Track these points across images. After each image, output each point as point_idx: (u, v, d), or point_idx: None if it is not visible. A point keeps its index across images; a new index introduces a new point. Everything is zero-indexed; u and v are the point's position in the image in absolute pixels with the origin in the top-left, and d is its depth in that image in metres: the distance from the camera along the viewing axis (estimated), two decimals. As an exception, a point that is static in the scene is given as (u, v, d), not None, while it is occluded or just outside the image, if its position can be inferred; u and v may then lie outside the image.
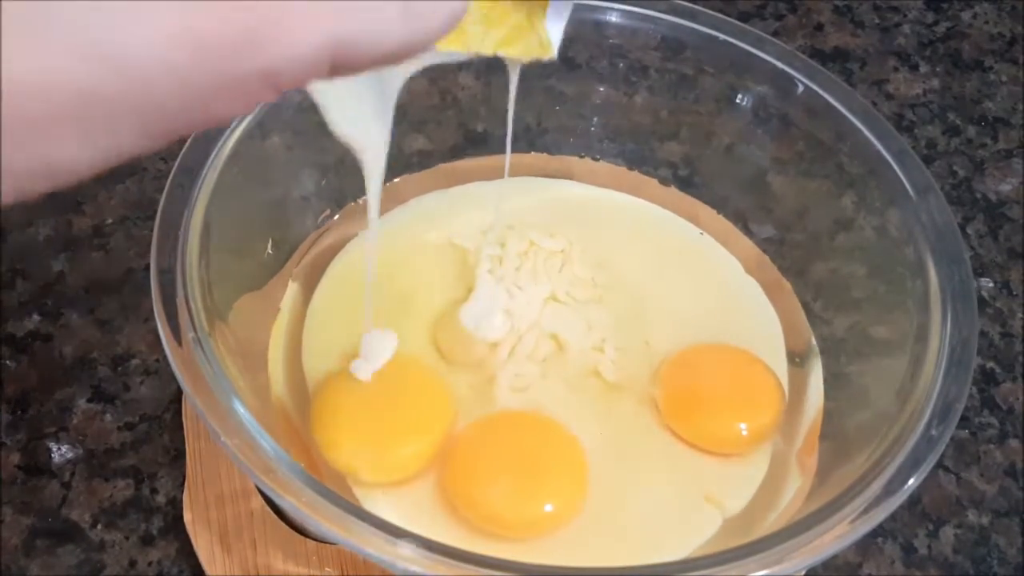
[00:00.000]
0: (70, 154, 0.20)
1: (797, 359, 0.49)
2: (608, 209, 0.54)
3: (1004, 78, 0.68)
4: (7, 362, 0.51)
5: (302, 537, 0.43)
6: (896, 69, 0.68)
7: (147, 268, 0.40)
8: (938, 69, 0.68)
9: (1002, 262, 0.59)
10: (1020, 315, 0.56)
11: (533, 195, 0.54)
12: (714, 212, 0.54)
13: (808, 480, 0.44)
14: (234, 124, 0.45)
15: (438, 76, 0.54)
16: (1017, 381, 0.54)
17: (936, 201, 0.46)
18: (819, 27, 0.70)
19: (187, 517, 0.44)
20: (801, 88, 0.50)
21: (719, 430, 0.46)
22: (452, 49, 0.32)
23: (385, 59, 0.23)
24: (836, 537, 0.36)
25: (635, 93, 0.55)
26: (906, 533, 0.48)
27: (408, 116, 0.53)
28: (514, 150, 0.56)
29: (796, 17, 0.70)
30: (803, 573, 0.44)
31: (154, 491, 0.47)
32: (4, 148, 0.19)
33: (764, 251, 0.53)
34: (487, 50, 0.32)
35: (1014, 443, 0.51)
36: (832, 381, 0.48)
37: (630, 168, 0.56)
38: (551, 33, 0.33)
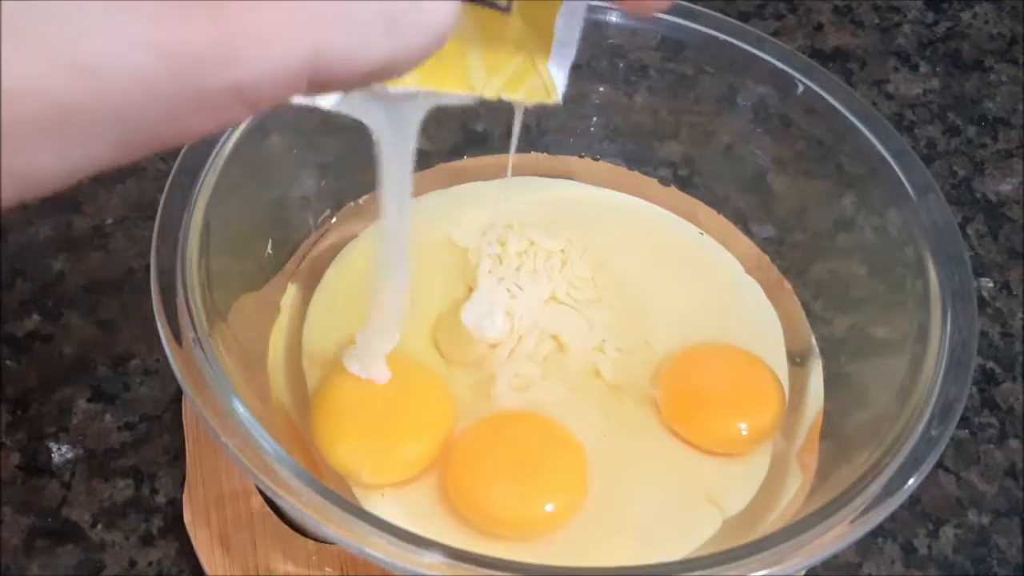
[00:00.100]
0: (43, 164, 0.20)
1: (797, 359, 0.49)
2: (608, 209, 0.54)
3: (1004, 78, 0.68)
4: (7, 362, 0.51)
5: (302, 537, 0.43)
6: (896, 69, 0.68)
7: (147, 268, 0.40)
8: (938, 69, 0.68)
9: (1002, 262, 0.59)
10: (1020, 315, 0.56)
11: (533, 195, 0.54)
12: (714, 212, 0.54)
13: (809, 479, 0.44)
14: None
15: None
16: (1017, 381, 0.54)
17: (936, 201, 0.46)
18: (819, 27, 0.70)
19: (187, 517, 0.44)
20: (801, 88, 0.50)
21: (719, 430, 0.46)
22: (456, 92, 0.31)
23: (366, 77, 0.22)
24: (836, 537, 0.36)
25: (635, 93, 0.55)
26: (906, 533, 0.48)
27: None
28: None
29: (796, 17, 0.70)
30: (803, 573, 0.44)
31: (154, 491, 0.47)
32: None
33: (764, 251, 0.53)
34: (491, 94, 0.32)
35: (1014, 443, 0.51)
36: (832, 381, 0.48)
37: (630, 168, 0.56)
38: (555, 77, 0.33)
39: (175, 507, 0.46)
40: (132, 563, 0.45)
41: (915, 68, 0.68)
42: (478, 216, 0.52)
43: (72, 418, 0.49)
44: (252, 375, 0.45)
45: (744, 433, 0.45)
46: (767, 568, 0.35)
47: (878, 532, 0.48)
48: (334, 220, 0.53)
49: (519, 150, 0.57)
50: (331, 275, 0.50)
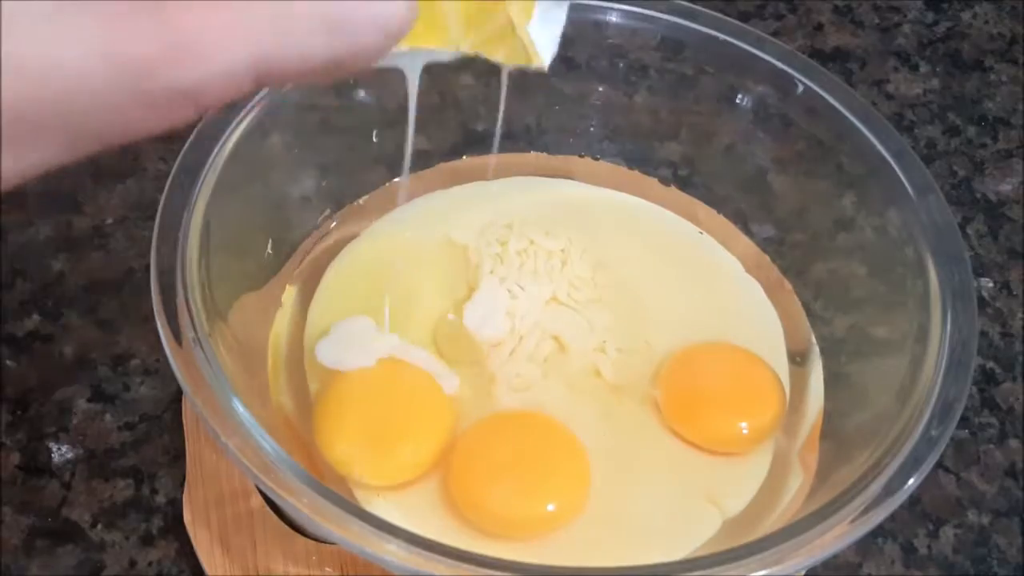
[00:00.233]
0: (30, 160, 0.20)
1: (798, 359, 0.49)
2: (608, 209, 0.54)
3: (1004, 78, 0.68)
4: (7, 362, 0.51)
5: (302, 537, 0.43)
6: (896, 69, 0.68)
7: (147, 268, 0.40)
8: (938, 69, 0.68)
9: (1002, 262, 0.59)
10: (1020, 315, 0.56)
11: (533, 195, 0.54)
12: (714, 212, 0.54)
13: (810, 478, 0.44)
14: (234, 124, 0.45)
15: (438, 76, 0.54)
16: (1017, 381, 0.54)
17: (936, 201, 0.46)
18: (819, 27, 0.70)
19: (187, 517, 0.44)
20: (801, 88, 0.50)
21: (720, 429, 0.46)
22: (433, 47, 0.31)
23: (314, 75, 0.22)
24: (836, 537, 0.36)
25: (635, 93, 0.55)
26: (906, 533, 0.48)
27: (408, 116, 0.53)
28: (514, 150, 0.56)
29: (796, 17, 0.70)
30: (803, 573, 0.44)
31: (154, 491, 0.47)
32: None
33: (764, 251, 0.53)
34: (468, 48, 0.31)
35: (1014, 443, 0.51)
36: (832, 381, 0.48)
37: (630, 168, 0.56)
38: (540, 42, 0.32)
39: (175, 507, 0.46)
40: (132, 563, 0.45)
41: (915, 68, 0.68)
42: (478, 216, 0.52)
43: (72, 418, 0.49)
44: (252, 375, 0.45)
45: (744, 432, 0.45)
46: (767, 568, 0.35)
47: (878, 532, 0.48)
48: (334, 220, 0.53)
49: (519, 150, 0.57)
50: (331, 275, 0.50)
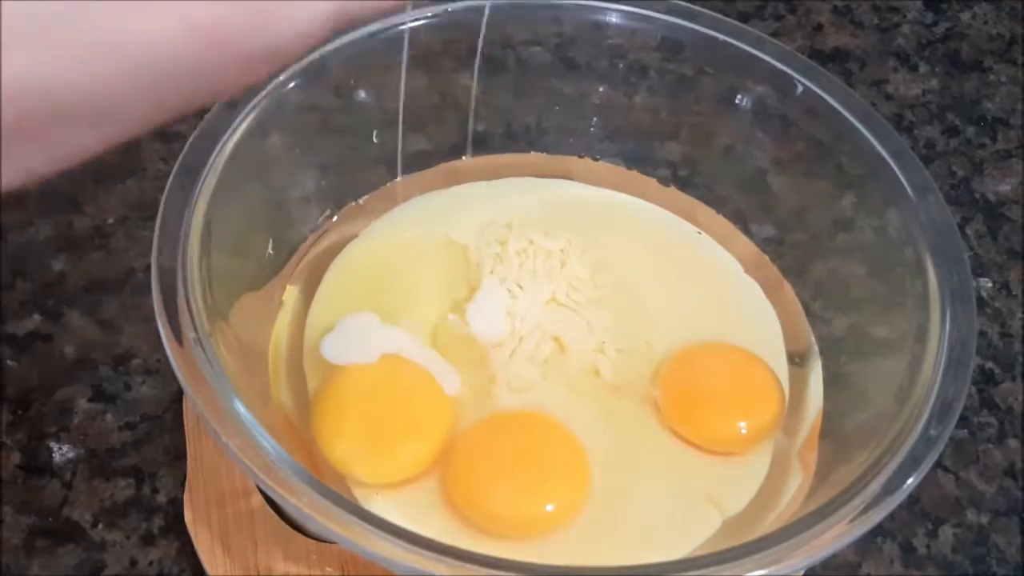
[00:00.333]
0: (79, 142, 0.20)
1: (797, 359, 0.49)
2: (608, 209, 0.54)
3: (1003, 78, 0.68)
4: (8, 362, 0.51)
5: (303, 537, 0.43)
6: (895, 70, 0.68)
7: (148, 268, 0.40)
8: (937, 69, 0.68)
9: (1001, 262, 0.59)
10: (1019, 315, 0.56)
11: (532, 195, 0.54)
12: (714, 212, 0.54)
13: (809, 478, 0.44)
14: (234, 124, 0.45)
15: (438, 76, 0.54)
16: (1016, 381, 0.54)
17: (935, 201, 0.46)
18: (818, 28, 0.70)
19: (188, 517, 0.44)
20: (800, 88, 0.50)
21: (719, 429, 0.46)
22: None
23: (385, 10, 0.23)
24: (835, 537, 0.36)
25: (635, 93, 0.56)
26: (905, 533, 0.48)
27: (408, 116, 0.53)
28: (514, 150, 0.57)
29: (795, 17, 0.70)
30: (802, 573, 0.44)
31: (155, 491, 0.47)
32: (12, 146, 0.19)
33: (764, 251, 0.53)
34: None
35: (1013, 443, 0.51)
36: (831, 381, 0.48)
37: (630, 168, 0.56)
38: None
39: (176, 507, 0.46)
40: (133, 562, 0.45)
41: (914, 68, 0.68)
42: (478, 216, 0.52)
43: (73, 418, 0.49)
44: (253, 375, 0.45)
45: (744, 432, 0.45)
46: (766, 568, 0.35)
47: (877, 532, 0.48)
48: (334, 220, 0.53)
49: (519, 150, 0.57)
50: (332, 275, 0.50)
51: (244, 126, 0.45)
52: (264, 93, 0.46)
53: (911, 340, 0.43)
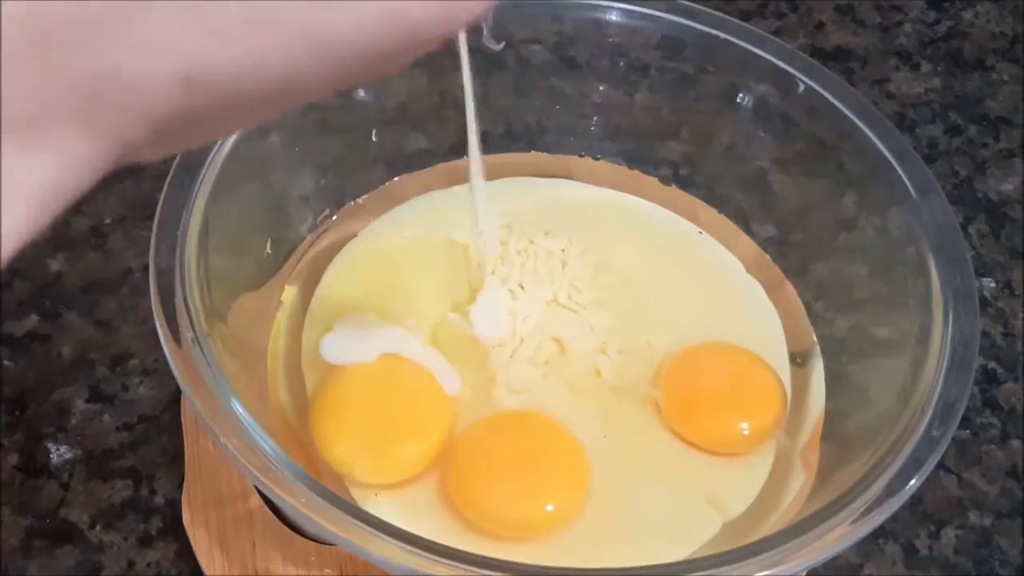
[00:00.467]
0: (260, 117, 0.21)
1: (799, 359, 0.49)
2: (608, 208, 0.54)
3: (1006, 77, 0.68)
4: (5, 362, 0.51)
5: (301, 538, 0.43)
6: (897, 68, 0.68)
7: (146, 268, 0.40)
8: (939, 68, 0.68)
9: (1004, 262, 0.58)
10: (1022, 315, 0.56)
11: (533, 194, 0.54)
12: (715, 211, 0.54)
13: (811, 479, 0.44)
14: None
15: (438, 76, 0.54)
16: (1019, 381, 0.54)
17: (938, 201, 0.45)
18: (820, 26, 0.70)
19: (186, 518, 0.44)
20: (802, 87, 0.50)
21: (720, 430, 0.46)
22: None
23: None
24: (837, 538, 0.36)
25: (635, 92, 0.55)
26: (907, 534, 0.48)
27: (408, 116, 0.53)
28: (514, 149, 0.56)
29: (797, 16, 0.70)
30: (804, 574, 0.44)
31: (153, 492, 0.47)
32: (202, 125, 0.19)
33: (765, 251, 0.53)
34: None
35: (1016, 444, 0.51)
36: (833, 381, 0.48)
37: (630, 167, 0.56)
38: None
39: (174, 508, 0.46)
40: (131, 564, 0.45)
41: (916, 67, 0.68)
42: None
43: (71, 418, 0.49)
44: (251, 375, 0.44)
45: (745, 432, 0.45)
46: (768, 569, 0.35)
47: (879, 533, 0.47)
48: (334, 219, 0.52)
49: (519, 150, 0.57)
50: (330, 275, 0.50)
51: (243, 125, 0.45)
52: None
53: (913, 340, 0.43)
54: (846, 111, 0.48)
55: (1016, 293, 0.57)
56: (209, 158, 0.44)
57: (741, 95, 0.52)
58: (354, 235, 0.51)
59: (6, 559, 0.45)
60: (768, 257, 0.53)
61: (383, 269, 0.50)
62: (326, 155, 0.52)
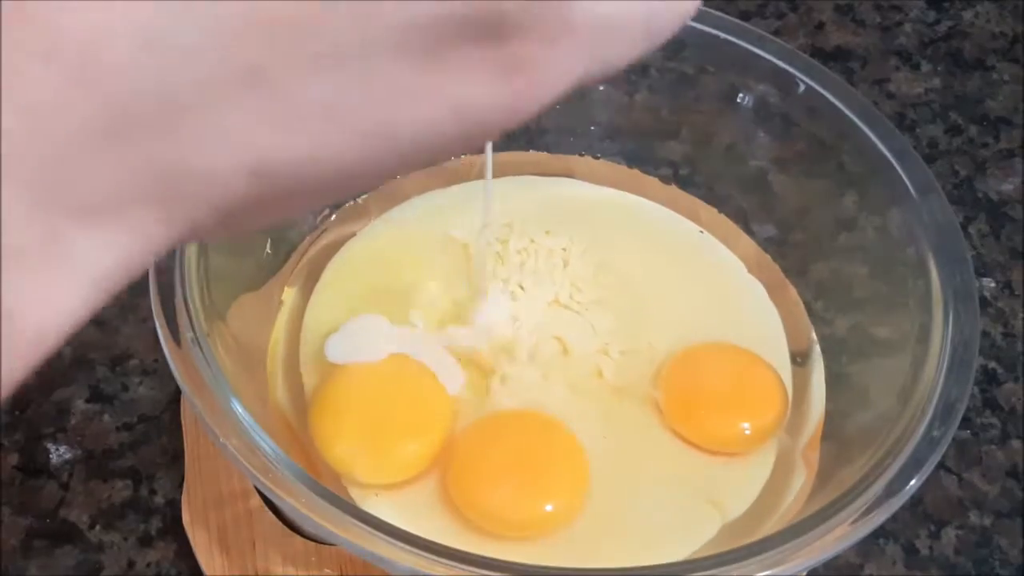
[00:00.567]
0: (319, 203, 0.22)
1: (799, 359, 0.49)
2: (608, 208, 0.54)
3: (1006, 77, 0.68)
4: (5, 362, 0.50)
5: (301, 538, 0.43)
6: (897, 68, 0.68)
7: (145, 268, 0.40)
8: (939, 68, 0.68)
9: (1004, 262, 0.58)
10: (1022, 315, 0.56)
11: (533, 194, 0.54)
12: (715, 211, 0.54)
13: (812, 476, 0.44)
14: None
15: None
16: (1019, 381, 0.54)
17: (938, 201, 0.45)
18: (820, 26, 0.70)
19: (185, 518, 0.44)
20: (802, 87, 0.50)
21: (721, 430, 0.46)
22: None
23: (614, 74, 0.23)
24: (837, 538, 0.36)
25: (636, 92, 0.55)
26: (908, 534, 0.48)
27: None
28: (514, 148, 0.56)
29: (797, 16, 0.70)
30: (804, 574, 0.44)
31: (152, 492, 0.47)
32: (255, 214, 0.19)
33: (765, 250, 0.53)
34: None
35: (1016, 444, 0.51)
36: (833, 381, 0.48)
37: (631, 167, 0.56)
38: None
39: (174, 508, 0.46)
40: (131, 564, 0.45)
41: (916, 67, 0.68)
42: (478, 215, 0.51)
43: (70, 418, 0.49)
44: (251, 375, 0.44)
45: (746, 432, 0.45)
46: (768, 569, 0.35)
47: (880, 533, 0.47)
48: (333, 219, 0.52)
49: (519, 149, 0.57)
50: (330, 274, 0.50)
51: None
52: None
53: (913, 340, 0.43)
54: (846, 111, 0.48)
55: (1016, 293, 0.57)
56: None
57: (741, 95, 0.52)
58: (354, 235, 0.51)
59: (6, 559, 0.45)
60: (768, 257, 0.53)
61: (383, 268, 0.50)
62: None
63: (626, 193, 0.55)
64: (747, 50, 0.51)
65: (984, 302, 0.56)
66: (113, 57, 0.16)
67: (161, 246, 0.19)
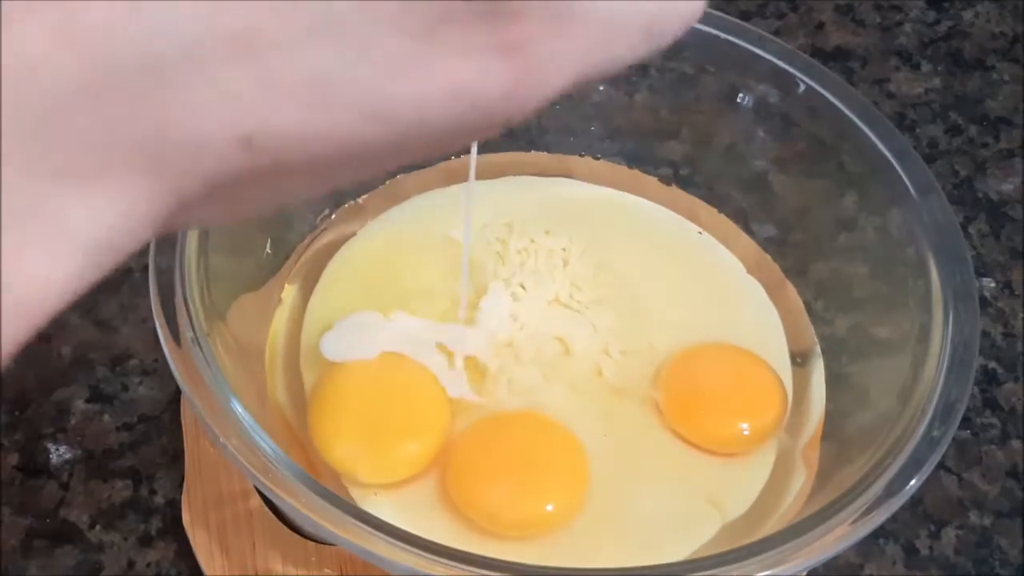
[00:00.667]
0: (318, 187, 0.21)
1: (799, 359, 0.49)
2: (608, 208, 0.54)
3: (1006, 77, 0.68)
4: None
5: (301, 538, 0.43)
6: (897, 68, 0.68)
7: (145, 268, 0.40)
8: (939, 68, 0.68)
9: (1004, 262, 0.58)
10: (1022, 315, 0.56)
11: (533, 194, 0.54)
12: (715, 211, 0.54)
13: (812, 477, 0.44)
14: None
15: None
16: (1019, 381, 0.53)
17: (938, 201, 0.45)
18: (820, 26, 0.70)
19: (185, 518, 0.44)
20: (802, 87, 0.50)
21: (721, 430, 0.46)
22: None
23: (613, 73, 0.22)
24: (837, 538, 0.36)
25: (635, 92, 0.55)
26: (908, 534, 0.48)
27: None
28: (514, 149, 0.56)
29: (797, 16, 0.70)
30: (804, 574, 0.44)
31: (152, 492, 0.47)
32: (252, 190, 0.19)
33: (765, 250, 0.53)
34: None
35: (1016, 444, 0.51)
36: (833, 382, 0.48)
37: (630, 167, 0.56)
38: None
39: (174, 508, 0.46)
40: (131, 564, 0.45)
41: (916, 67, 0.68)
42: (479, 214, 0.51)
43: (70, 418, 0.49)
44: (251, 375, 0.44)
45: (746, 432, 0.45)
46: (768, 569, 0.35)
47: (879, 533, 0.47)
48: (333, 219, 0.52)
49: (519, 149, 0.57)
50: (329, 273, 0.50)
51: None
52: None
53: (913, 340, 0.43)
54: (846, 111, 0.48)
55: (1016, 293, 0.57)
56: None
57: (741, 95, 0.52)
58: (353, 234, 0.51)
59: (6, 559, 0.45)
60: (768, 257, 0.53)
61: (382, 268, 0.50)
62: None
63: (626, 193, 0.55)
64: (747, 50, 0.50)
65: (984, 302, 0.56)
66: (98, 14, 0.16)
67: (153, 218, 0.18)
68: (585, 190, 0.55)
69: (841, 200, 0.50)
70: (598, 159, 0.56)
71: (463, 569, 0.33)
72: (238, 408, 0.37)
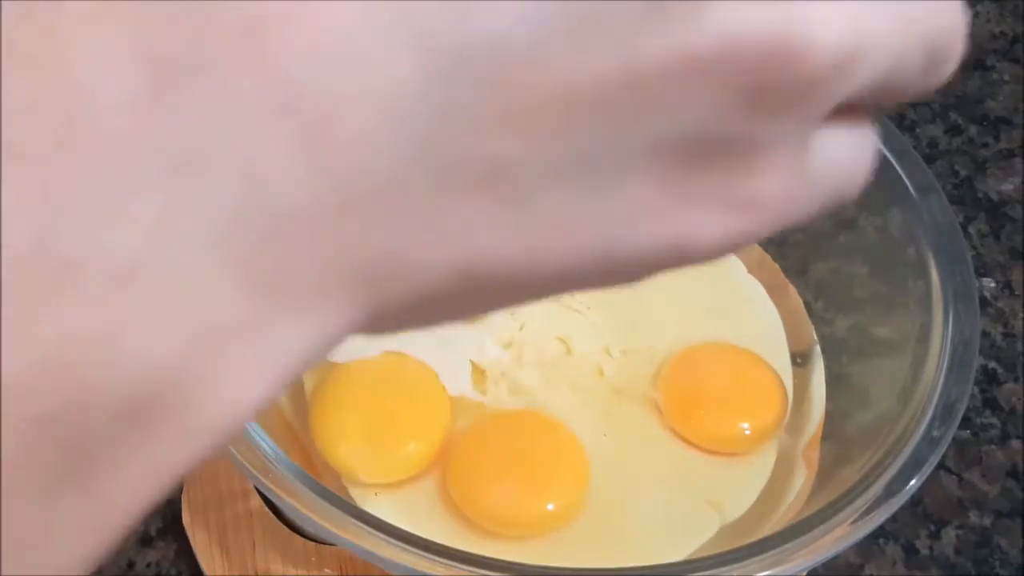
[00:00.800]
0: (509, 305, 0.19)
1: (799, 359, 0.49)
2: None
3: (1006, 77, 0.68)
4: (5, 362, 0.50)
5: (301, 538, 0.43)
6: (897, 68, 0.67)
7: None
8: (940, 68, 0.68)
9: (1004, 262, 0.58)
10: (1022, 315, 0.56)
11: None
12: (715, 211, 0.54)
13: (812, 477, 0.44)
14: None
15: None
16: (1019, 381, 0.53)
17: (938, 201, 0.45)
18: (820, 26, 0.70)
19: (185, 518, 0.44)
20: (802, 87, 0.49)
21: (721, 430, 0.46)
22: None
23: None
24: (837, 538, 0.36)
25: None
26: (908, 534, 0.48)
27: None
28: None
29: (797, 16, 0.70)
30: (804, 574, 0.44)
31: (153, 491, 0.47)
32: (452, 308, 0.18)
33: (765, 250, 0.53)
34: None
35: (1016, 444, 0.51)
36: (833, 382, 0.48)
37: (631, 167, 0.56)
38: None
39: (173, 508, 0.46)
40: (130, 564, 0.45)
41: (916, 67, 0.68)
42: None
43: (70, 418, 0.49)
44: (251, 375, 0.44)
45: (746, 433, 0.45)
46: (768, 569, 0.35)
47: (879, 533, 0.47)
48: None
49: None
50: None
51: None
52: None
53: (913, 340, 0.43)
54: (846, 111, 0.48)
55: (1016, 293, 0.57)
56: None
57: (742, 95, 0.52)
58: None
59: (6, 559, 0.45)
60: (768, 257, 0.53)
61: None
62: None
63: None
64: (747, 50, 0.50)
65: (984, 302, 0.56)
66: (356, 124, 0.14)
67: (353, 332, 0.16)
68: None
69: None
70: (598, 159, 0.56)
71: (463, 569, 0.33)
72: (238, 408, 0.37)
